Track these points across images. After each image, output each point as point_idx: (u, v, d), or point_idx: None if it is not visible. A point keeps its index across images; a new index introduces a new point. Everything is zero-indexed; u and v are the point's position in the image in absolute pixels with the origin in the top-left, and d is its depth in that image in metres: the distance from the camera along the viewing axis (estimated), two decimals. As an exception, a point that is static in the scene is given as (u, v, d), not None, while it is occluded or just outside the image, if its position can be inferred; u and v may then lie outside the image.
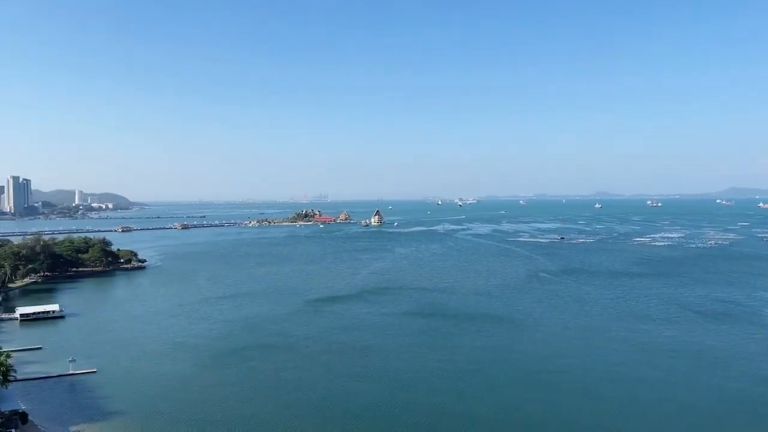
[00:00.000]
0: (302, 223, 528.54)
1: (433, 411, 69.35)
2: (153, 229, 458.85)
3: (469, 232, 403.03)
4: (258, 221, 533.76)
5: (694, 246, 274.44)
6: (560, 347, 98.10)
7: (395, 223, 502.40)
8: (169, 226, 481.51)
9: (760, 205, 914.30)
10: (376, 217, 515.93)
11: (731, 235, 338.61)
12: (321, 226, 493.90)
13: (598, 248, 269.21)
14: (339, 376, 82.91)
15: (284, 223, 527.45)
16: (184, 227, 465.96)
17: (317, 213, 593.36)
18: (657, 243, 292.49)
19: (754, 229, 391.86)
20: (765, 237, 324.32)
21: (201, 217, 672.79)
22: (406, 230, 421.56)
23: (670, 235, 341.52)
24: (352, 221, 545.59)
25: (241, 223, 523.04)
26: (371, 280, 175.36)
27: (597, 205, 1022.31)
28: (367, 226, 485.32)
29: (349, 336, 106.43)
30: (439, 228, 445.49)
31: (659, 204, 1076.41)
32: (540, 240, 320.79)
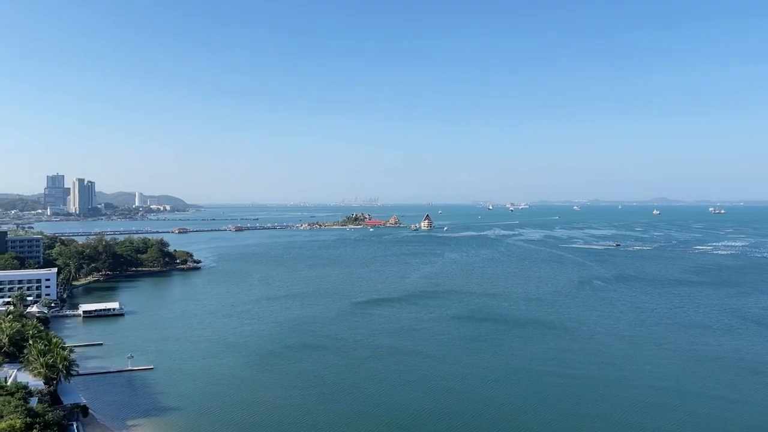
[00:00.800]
0: (352, 226, 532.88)
1: (480, 420, 68.43)
2: (208, 230, 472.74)
3: (520, 237, 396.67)
4: (309, 224, 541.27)
5: (759, 255, 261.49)
6: (614, 357, 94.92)
7: (445, 228, 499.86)
8: (224, 228, 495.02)
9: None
10: (426, 221, 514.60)
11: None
12: (371, 229, 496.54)
13: (656, 256, 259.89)
14: (386, 381, 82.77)
15: (335, 227, 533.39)
16: (238, 229, 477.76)
17: (367, 217, 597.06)
18: (719, 251, 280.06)
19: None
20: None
21: (254, 219, 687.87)
22: (455, 235, 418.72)
23: (733, 244, 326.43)
24: (401, 225, 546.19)
25: (293, 226, 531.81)
26: (420, 284, 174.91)
27: (655, 212, 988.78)
28: (416, 230, 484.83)
29: (397, 340, 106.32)
30: (489, 233, 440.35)
31: (722, 211, 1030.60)
32: (594, 247, 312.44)
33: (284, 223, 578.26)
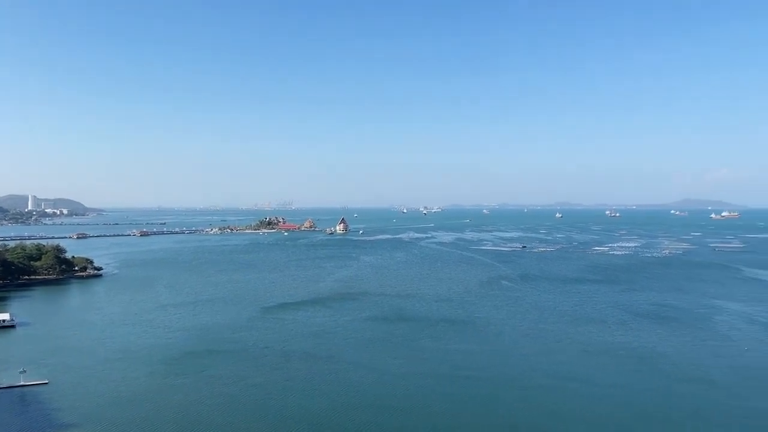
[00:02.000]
0: (266, 230, 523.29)
1: (395, 415, 69.82)
2: (110, 236, 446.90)
3: (433, 240, 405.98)
4: (220, 228, 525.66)
5: (649, 255, 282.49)
6: (520, 352, 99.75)
7: (360, 231, 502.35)
8: (128, 233, 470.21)
9: (712, 216, 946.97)
10: (341, 225, 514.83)
11: (685, 245, 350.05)
12: (285, 233, 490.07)
13: (558, 257, 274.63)
14: (299, 384, 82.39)
15: (247, 231, 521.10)
16: (144, 234, 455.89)
17: (281, 220, 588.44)
18: (614, 252, 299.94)
19: (706, 239, 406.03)
20: (716, 247, 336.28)
21: (161, 224, 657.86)
22: (371, 238, 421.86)
23: (627, 245, 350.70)
24: (317, 229, 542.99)
25: (203, 231, 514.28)
26: (335, 287, 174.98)
27: (558, 215, 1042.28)
28: (332, 234, 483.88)
29: (310, 343, 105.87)
30: (404, 236, 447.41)
31: (617, 214, 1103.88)
32: (502, 249, 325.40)
33: (193, 228, 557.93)
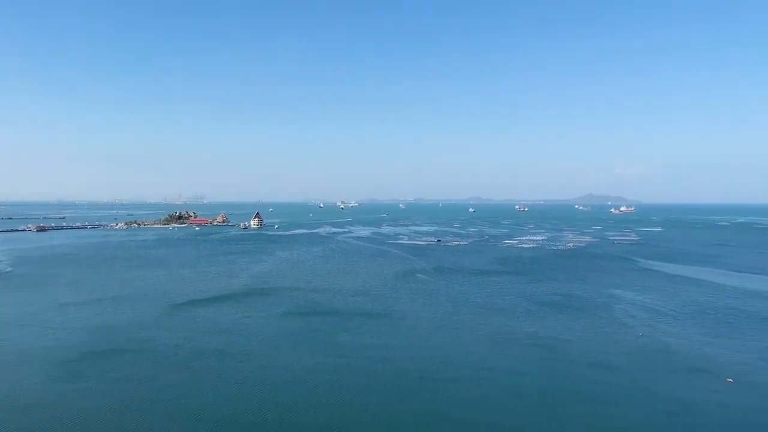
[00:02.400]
0: (176, 225, 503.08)
1: (312, 410, 69.60)
2: (2, 231, 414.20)
3: (350, 234, 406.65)
4: (126, 223, 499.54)
5: (555, 248, 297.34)
6: (434, 343, 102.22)
7: (276, 226, 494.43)
8: (23, 228, 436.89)
9: (612, 210, 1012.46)
10: (256, 219, 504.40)
11: (587, 238, 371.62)
12: (197, 228, 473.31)
13: (471, 250, 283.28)
14: (211, 383, 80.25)
15: (156, 226, 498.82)
16: (41, 229, 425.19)
17: (192, 215, 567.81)
18: (523, 245, 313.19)
19: (606, 233, 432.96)
20: (615, 239, 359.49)
21: (60, 218, 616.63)
22: (287, 233, 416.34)
23: (534, 238, 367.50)
24: (230, 223, 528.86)
25: (107, 225, 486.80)
26: (249, 283, 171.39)
27: (470, 209, 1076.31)
28: (246, 228, 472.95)
29: (223, 340, 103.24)
30: (321, 231, 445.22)
31: (526, 209, 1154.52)
32: (418, 243, 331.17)
33: (97, 222, 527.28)
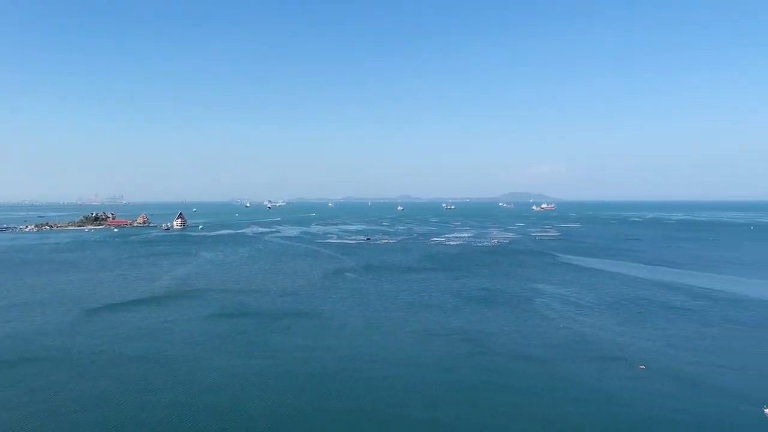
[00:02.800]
0: (92, 227, 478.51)
1: (240, 413, 68.37)
2: None
3: (278, 234, 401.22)
4: (37, 225, 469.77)
5: (480, 244, 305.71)
6: (363, 342, 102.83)
7: (200, 227, 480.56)
8: None
9: (534, 208, 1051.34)
10: (179, 219, 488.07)
11: (511, 234, 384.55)
12: (115, 230, 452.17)
13: (400, 248, 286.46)
14: (132, 390, 77.16)
15: (70, 228, 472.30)
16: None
17: (110, 216, 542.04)
18: (450, 242, 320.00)
19: (529, 229, 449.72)
20: (536, 235, 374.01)
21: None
22: (212, 234, 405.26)
23: (461, 235, 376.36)
24: (151, 224, 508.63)
25: (15, 228, 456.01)
26: (172, 285, 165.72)
27: (399, 208, 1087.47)
28: (168, 229, 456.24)
29: (145, 345, 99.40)
30: (247, 231, 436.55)
31: (453, 207, 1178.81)
32: (347, 241, 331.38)
33: (4, 225, 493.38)
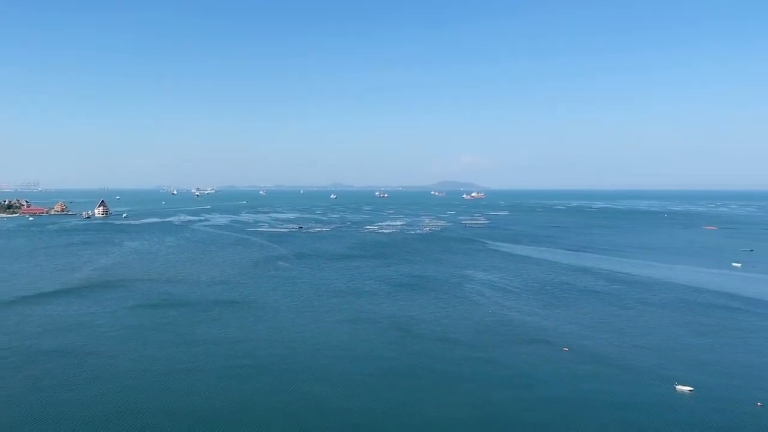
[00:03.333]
0: (4, 215, 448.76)
1: (164, 406, 66.41)
2: None
3: (207, 223, 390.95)
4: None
5: (413, 232, 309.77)
6: (297, 331, 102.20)
7: (124, 215, 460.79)
8: None
9: (464, 196, 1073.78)
10: (101, 207, 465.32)
11: (442, 222, 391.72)
12: (30, 218, 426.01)
13: (333, 236, 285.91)
14: (49, 387, 73.31)
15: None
16: None
17: (25, 203, 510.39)
18: (384, 230, 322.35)
19: (459, 217, 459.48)
20: (467, 223, 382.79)
21: None
22: (136, 222, 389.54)
23: (394, 223, 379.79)
24: (70, 213, 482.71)
25: None
26: (94, 276, 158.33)
27: (332, 196, 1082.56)
28: (89, 218, 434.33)
29: (65, 339, 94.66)
30: (174, 219, 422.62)
31: (386, 195, 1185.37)
32: (279, 230, 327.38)
33: None
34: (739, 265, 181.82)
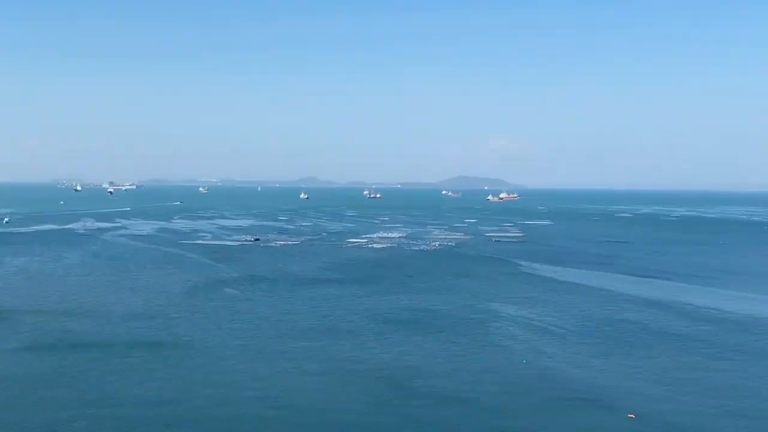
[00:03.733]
0: None
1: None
2: None
3: (124, 231, 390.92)
4: None
5: (416, 248, 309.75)
6: (247, 382, 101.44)
7: (5, 219, 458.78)
8: None
9: (490, 198, 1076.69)
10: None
11: (458, 234, 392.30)
12: None
13: (303, 252, 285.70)
14: None
15: None
16: None
17: None
18: (374, 245, 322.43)
19: (481, 227, 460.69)
20: (493, 236, 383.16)
21: None
22: (24, 230, 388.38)
23: (390, 235, 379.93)
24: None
25: None
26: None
27: (303, 195, 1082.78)
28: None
29: None
30: (78, 226, 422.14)
31: (379, 195, 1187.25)
32: (227, 243, 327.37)
33: None
34: None
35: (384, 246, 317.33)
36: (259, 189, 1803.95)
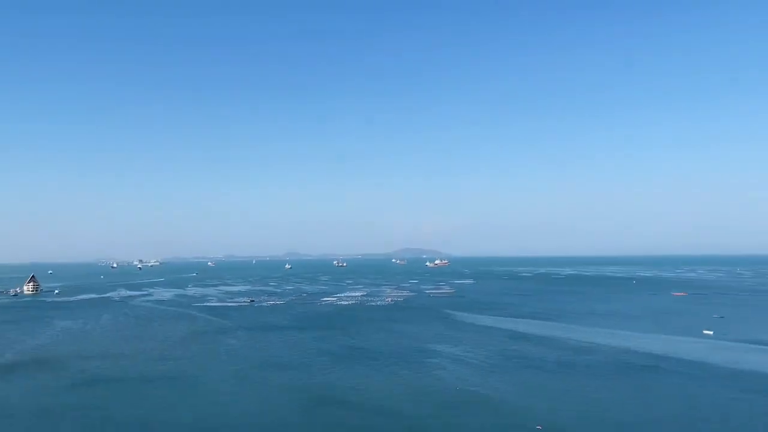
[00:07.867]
0: None
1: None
2: None
3: (149, 298, 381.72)
4: None
5: (373, 303, 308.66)
6: (232, 399, 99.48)
7: (56, 291, 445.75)
8: None
9: (427, 264, 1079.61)
10: (31, 284, 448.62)
11: (405, 292, 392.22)
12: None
13: (287, 309, 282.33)
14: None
15: None
16: None
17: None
18: (342, 302, 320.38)
19: (422, 286, 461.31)
20: (431, 293, 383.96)
21: None
22: (70, 299, 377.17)
23: (353, 294, 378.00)
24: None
25: None
26: (19, 361, 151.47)
27: (287, 266, 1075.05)
28: (17, 295, 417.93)
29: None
30: (113, 295, 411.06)
31: (344, 264, 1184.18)
32: (228, 304, 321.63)
33: None
34: (711, 332, 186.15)
35: (348, 303, 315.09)
36: (254, 262, 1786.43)
